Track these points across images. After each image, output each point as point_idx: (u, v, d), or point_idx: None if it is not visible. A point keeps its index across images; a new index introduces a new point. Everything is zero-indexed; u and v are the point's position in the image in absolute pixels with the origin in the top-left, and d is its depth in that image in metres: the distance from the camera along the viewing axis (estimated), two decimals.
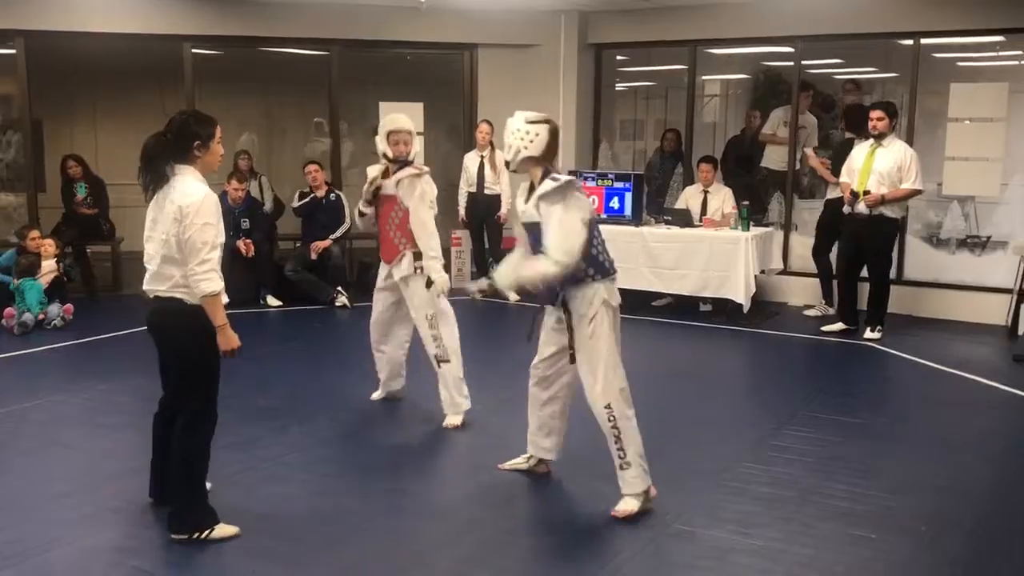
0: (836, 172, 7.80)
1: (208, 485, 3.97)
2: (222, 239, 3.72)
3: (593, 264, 4.04)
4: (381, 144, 5.32)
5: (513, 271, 4.11)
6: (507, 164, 4.27)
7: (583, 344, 4.07)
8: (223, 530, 3.78)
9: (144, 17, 8.81)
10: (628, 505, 4.04)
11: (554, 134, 4.17)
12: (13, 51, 8.89)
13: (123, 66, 9.93)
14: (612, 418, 4.09)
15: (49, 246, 7.99)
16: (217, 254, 3.65)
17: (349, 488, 4.40)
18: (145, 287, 3.77)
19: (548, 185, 4.02)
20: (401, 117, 5.35)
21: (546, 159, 4.15)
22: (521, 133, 4.10)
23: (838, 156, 7.96)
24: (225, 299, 3.69)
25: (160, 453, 3.95)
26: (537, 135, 4.11)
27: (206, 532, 3.75)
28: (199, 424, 3.77)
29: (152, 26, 8.87)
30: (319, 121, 11.03)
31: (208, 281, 3.60)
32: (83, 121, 11.36)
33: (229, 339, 3.70)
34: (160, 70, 10.06)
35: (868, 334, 7.36)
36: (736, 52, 10.18)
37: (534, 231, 4.09)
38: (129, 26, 8.81)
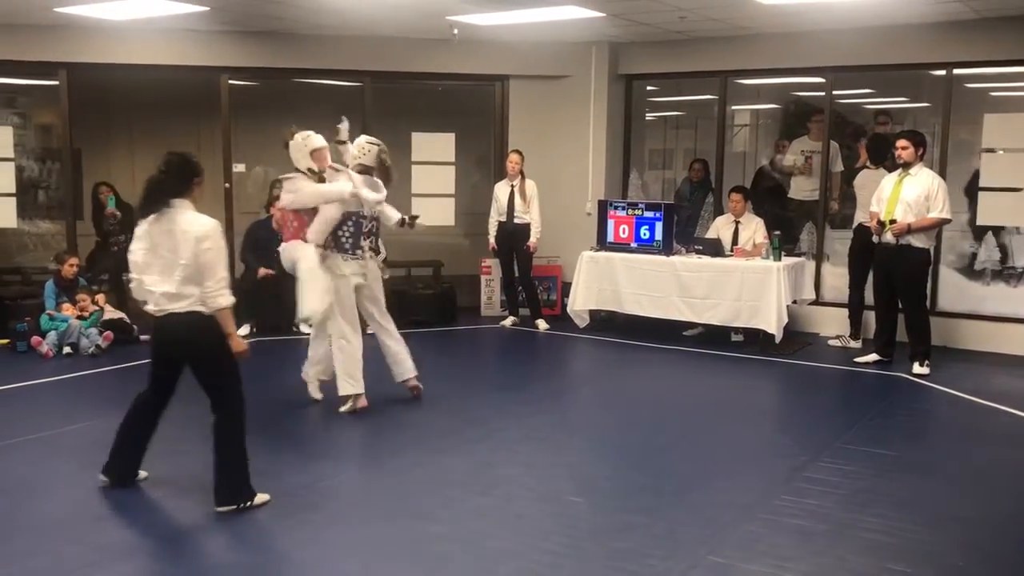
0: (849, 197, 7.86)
1: (144, 474, 4.62)
2: None
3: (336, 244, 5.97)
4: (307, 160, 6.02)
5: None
6: (345, 164, 6.09)
7: None
8: (261, 498, 4.38)
9: (184, 50, 9.00)
10: (343, 405, 5.97)
11: (380, 154, 6.12)
12: (56, 82, 9.10)
13: (159, 97, 10.10)
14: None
15: (83, 301, 8.04)
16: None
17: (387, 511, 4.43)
18: (155, 307, 4.27)
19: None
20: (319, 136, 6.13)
21: (370, 169, 6.10)
22: (360, 146, 6.12)
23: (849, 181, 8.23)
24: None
25: (130, 440, 4.58)
26: (368, 152, 6.10)
27: (248, 502, 4.32)
28: (237, 416, 4.35)
29: (191, 58, 9.05)
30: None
31: (224, 296, 4.23)
32: (120, 151, 11.56)
33: (239, 344, 4.36)
34: (196, 101, 10.23)
35: (916, 369, 7.20)
36: (766, 83, 10.20)
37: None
38: (169, 58, 9.00)
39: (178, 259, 4.17)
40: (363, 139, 6.24)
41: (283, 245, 6.10)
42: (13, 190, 8.94)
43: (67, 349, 7.71)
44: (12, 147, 8.99)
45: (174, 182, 4.23)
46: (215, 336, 4.25)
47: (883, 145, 7.88)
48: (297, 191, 5.94)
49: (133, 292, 4.44)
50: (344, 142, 6.27)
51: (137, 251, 4.30)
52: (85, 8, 7.78)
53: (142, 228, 4.30)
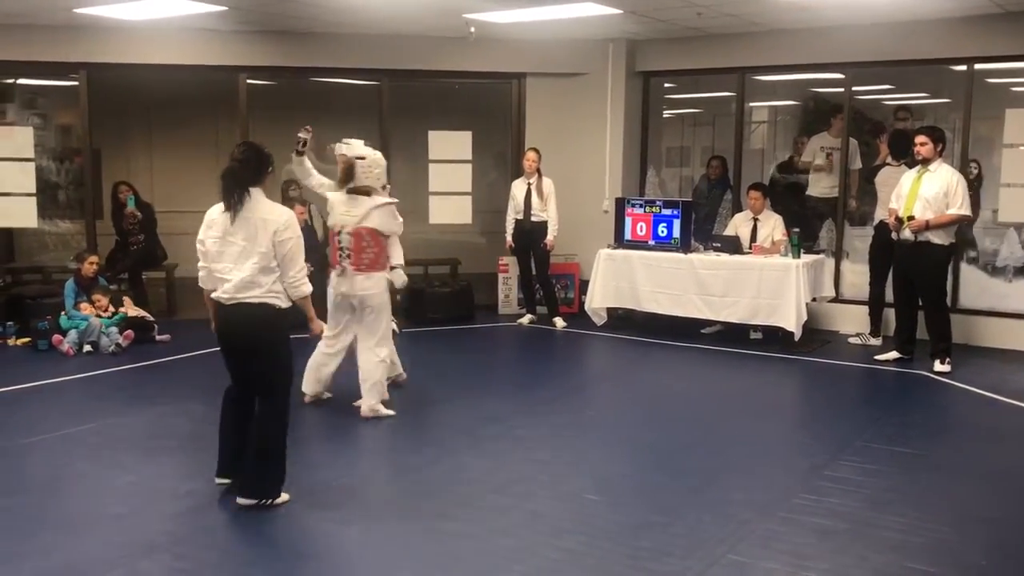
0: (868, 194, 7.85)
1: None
2: None
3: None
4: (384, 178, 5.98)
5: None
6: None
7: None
8: (282, 497, 4.39)
9: (203, 49, 9.03)
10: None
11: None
12: (76, 83, 9.17)
13: (178, 96, 10.17)
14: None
15: (100, 301, 8.06)
16: None
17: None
18: (226, 294, 4.26)
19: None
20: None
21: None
22: (376, 162, 5.89)
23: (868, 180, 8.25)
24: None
25: (233, 437, 4.46)
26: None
27: (271, 500, 4.33)
28: (283, 411, 4.39)
29: (210, 58, 9.09)
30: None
31: (306, 284, 4.37)
32: (139, 150, 11.65)
33: (318, 325, 4.73)
34: (214, 100, 10.29)
35: (937, 367, 7.14)
36: (785, 79, 10.14)
37: None
38: (188, 58, 9.04)
39: (256, 247, 4.20)
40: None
41: (397, 273, 5.96)
42: (33, 190, 9.01)
43: (88, 348, 7.76)
44: (33, 147, 9.06)
45: (252, 171, 4.25)
46: (279, 331, 4.33)
47: (904, 141, 7.81)
48: (396, 218, 5.88)
49: (201, 281, 4.40)
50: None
51: (208, 240, 4.30)
52: (104, 9, 7.83)
53: (213, 216, 4.29)
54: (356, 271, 5.79)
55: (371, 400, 5.89)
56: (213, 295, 4.33)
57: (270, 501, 4.34)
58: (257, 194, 4.25)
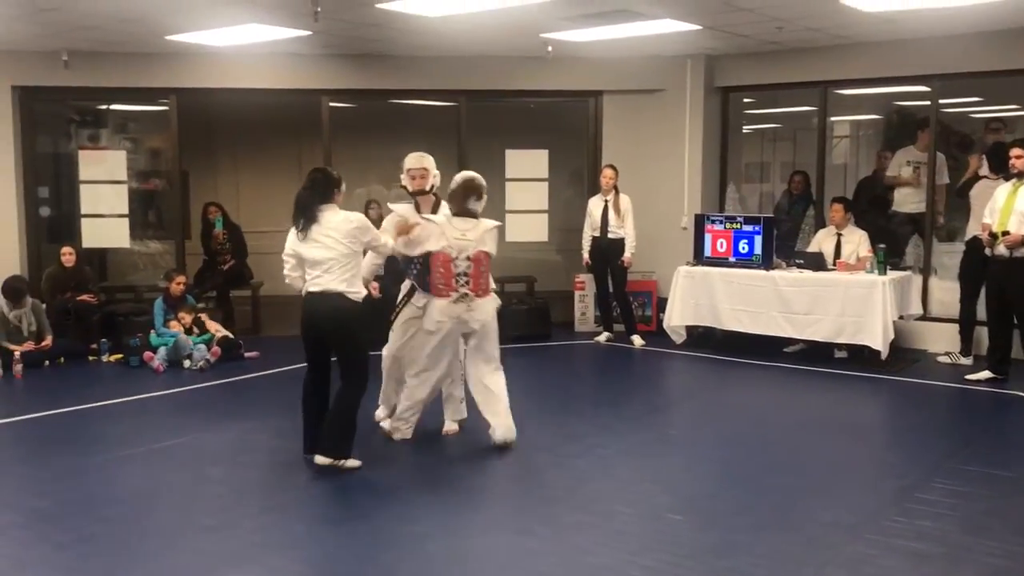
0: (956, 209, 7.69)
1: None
2: None
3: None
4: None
5: None
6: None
7: None
8: (352, 463, 5.06)
9: (287, 73, 9.26)
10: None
11: None
12: (166, 107, 9.50)
13: (262, 119, 10.44)
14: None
15: (185, 319, 8.26)
16: None
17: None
18: (318, 288, 4.97)
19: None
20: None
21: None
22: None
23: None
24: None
25: (313, 421, 5.19)
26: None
27: (343, 461, 4.99)
28: (360, 384, 5.08)
29: (294, 81, 9.32)
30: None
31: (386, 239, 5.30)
32: (225, 172, 11.98)
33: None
34: (297, 123, 10.53)
35: None
36: (868, 92, 9.93)
37: None
38: (274, 82, 9.29)
39: (330, 252, 4.92)
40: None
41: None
42: (126, 211, 9.35)
43: (187, 363, 7.98)
44: (125, 170, 9.42)
45: (320, 193, 4.97)
46: (354, 319, 4.98)
47: (1004, 153, 7.55)
48: None
49: (287, 278, 5.16)
50: None
51: (289, 250, 5.07)
52: (194, 36, 8.10)
53: (295, 238, 5.03)
54: (479, 296, 5.48)
55: (510, 419, 5.66)
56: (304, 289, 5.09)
57: (343, 461, 4.98)
58: (328, 209, 4.96)
